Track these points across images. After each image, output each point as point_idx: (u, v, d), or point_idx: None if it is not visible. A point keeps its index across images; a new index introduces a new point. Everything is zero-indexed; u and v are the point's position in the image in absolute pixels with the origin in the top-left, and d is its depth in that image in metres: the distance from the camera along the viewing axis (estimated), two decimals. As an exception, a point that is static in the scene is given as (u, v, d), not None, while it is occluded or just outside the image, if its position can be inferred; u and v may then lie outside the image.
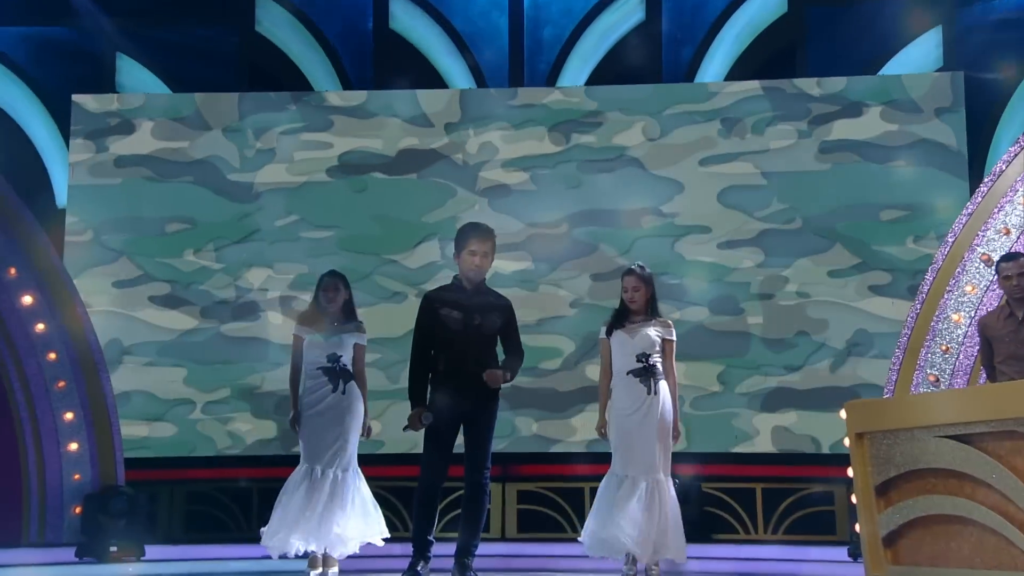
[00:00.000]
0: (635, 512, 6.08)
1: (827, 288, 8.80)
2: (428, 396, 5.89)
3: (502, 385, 5.94)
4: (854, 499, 4.20)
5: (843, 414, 4.21)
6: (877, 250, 8.77)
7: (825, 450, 8.54)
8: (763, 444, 8.70)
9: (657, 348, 6.35)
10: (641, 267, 6.50)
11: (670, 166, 9.09)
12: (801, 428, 8.70)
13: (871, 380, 8.39)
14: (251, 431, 8.99)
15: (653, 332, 6.36)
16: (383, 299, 9.01)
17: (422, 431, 5.90)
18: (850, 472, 4.18)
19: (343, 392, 6.46)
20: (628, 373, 6.30)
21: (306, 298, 7.22)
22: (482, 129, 9.28)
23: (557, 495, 8.77)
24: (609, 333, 6.46)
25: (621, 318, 6.44)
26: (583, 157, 9.20)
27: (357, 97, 9.41)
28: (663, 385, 6.33)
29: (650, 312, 6.43)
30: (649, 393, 6.26)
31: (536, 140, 9.24)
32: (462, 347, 5.86)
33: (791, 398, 8.74)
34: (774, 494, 8.61)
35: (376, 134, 9.29)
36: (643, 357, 6.29)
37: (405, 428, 5.91)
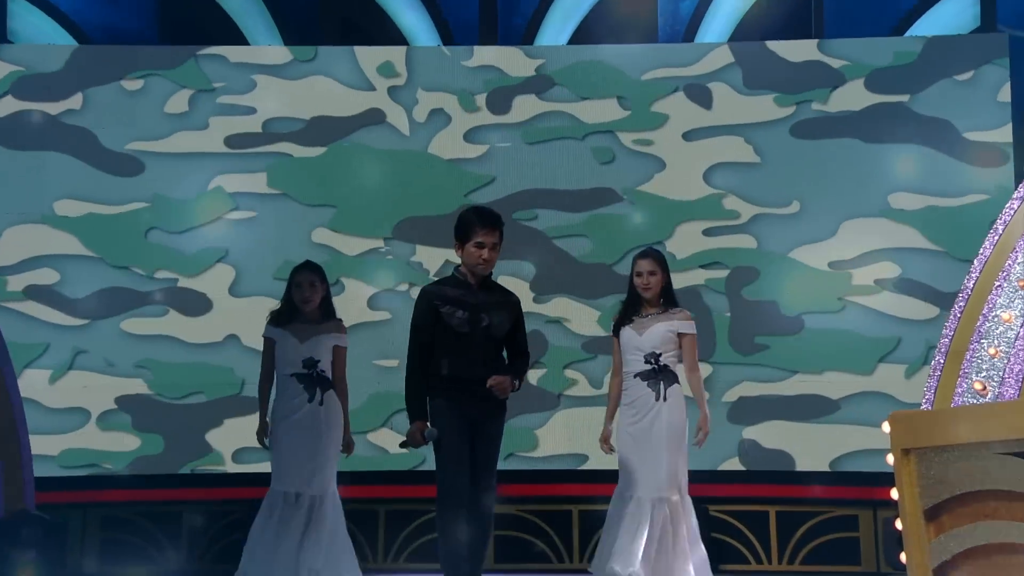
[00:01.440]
0: (637, 543, 6.14)
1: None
2: (432, 405, 5.91)
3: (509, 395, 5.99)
4: (899, 524, 4.20)
5: (886, 427, 4.21)
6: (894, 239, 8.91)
7: (844, 467, 8.69)
8: (775, 459, 8.79)
9: (672, 346, 6.39)
10: (656, 248, 6.60)
11: (650, 139, 9.18)
12: (820, 442, 8.78)
13: (889, 389, 8.67)
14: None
15: (666, 327, 6.41)
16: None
17: (418, 446, 5.95)
18: (893, 494, 4.20)
19: (320, 402, 6.52)
20: (635, 376, 6.38)
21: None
22: (432, 93, 9.32)
23: (541, 519, 8.78)
24: (617, 330, 6.51)
25: (630, 310, 6.50)
26: (547, 128, 9.25)
27: (283, 54, 9.39)
28: (675, 390, 6.38)
29: (665, 302, 6.49)
30: (658, 399, 6.32)
31: (494, 108, 9.28)
32: (468, 351, 5.89)
33: (810, 406, 8.85)
34: (790, 518, 8.68)
35: (306, 98, 9.32)
36: (652, 357, 6.36)
37: (403, 445, 5.93)
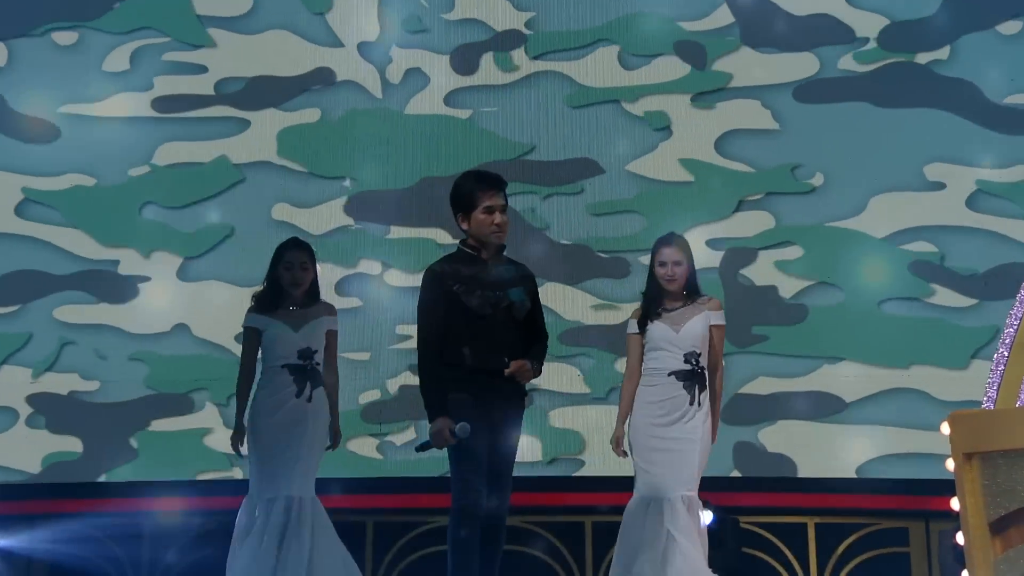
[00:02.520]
0: (659, 548, 6.24)
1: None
2: (451, 400, 5.88)
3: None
4: (960, 539, 4.21)
5: (945, 428, 4.24)
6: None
7: (895, 474, 8.64)
8: (812, 465, 8.76)
9: (707, 343, 6.52)
10: (679, 234, 6.67)
11: (655, 103, 9.18)
12: (865, 444, 8.75)
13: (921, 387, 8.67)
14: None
15: (703, 322, 6.52)
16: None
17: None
18: (953, 504, 4.20)
19: (309, 399, 6.62)
20: (670, 374, 6.47)
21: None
22: (408, 50, 9.31)
23: (548, 532, 8.78)
24: (643, 326, 6.57)
25: (655, 303, 6.57)
26: (541, 89, 9.24)
27: (239, 4, 9.39)
28: (706, 397, 6.52)
29: (690, 293, 6.58)
30: (692, 403, 6.45)
31: (479, 66, 9.28)
32: (491, 336, 5.91)
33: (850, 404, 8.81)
34: (831, 531, 8.68)
35: (264, 54, 9.32)
36: (693, 358, 6.47)
37: (422, 447, 5.90)
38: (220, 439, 8.31)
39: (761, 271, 8.95)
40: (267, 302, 6.81)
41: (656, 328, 6.54)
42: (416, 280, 8.11)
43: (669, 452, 6.42)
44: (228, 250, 9.08)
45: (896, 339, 8.80)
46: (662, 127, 9.09)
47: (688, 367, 6.46)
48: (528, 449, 8.24)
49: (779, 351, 8.84)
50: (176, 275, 9.11)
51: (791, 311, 8.90)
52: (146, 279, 9.12)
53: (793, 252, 8.95)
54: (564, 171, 9.10)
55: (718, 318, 6.58)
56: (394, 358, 8.86)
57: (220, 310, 8.82)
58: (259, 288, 7.02)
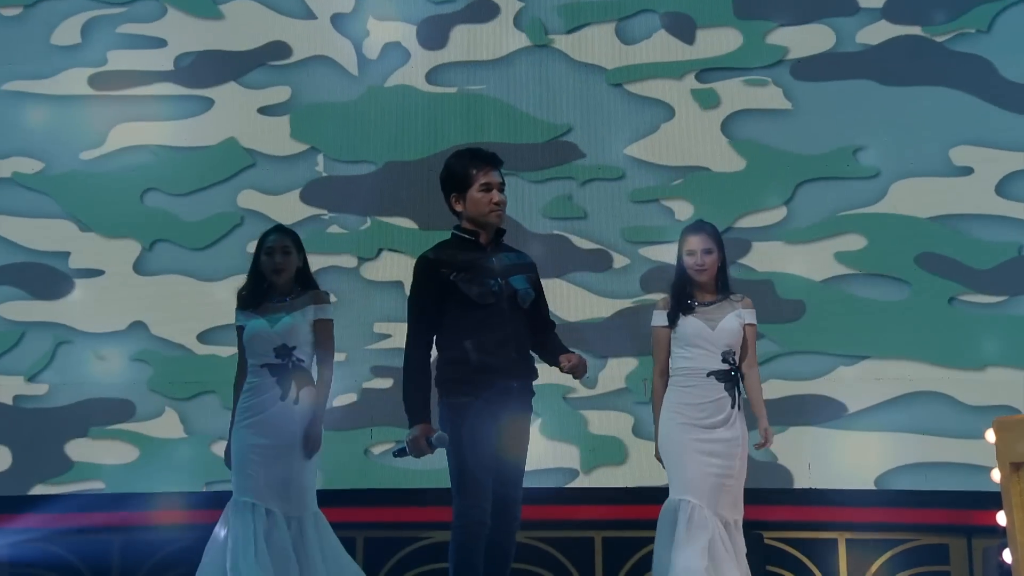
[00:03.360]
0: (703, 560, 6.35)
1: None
2: (454, 403, 5.88)
3: None
4: (1007, 556, 4.44)
5: (990, 436, 4.25)
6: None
7: (932, 485, 8.63)
8: (842, 476, 8.75)
9: (738, 343, 6.65)
10: (709, 222, 6.80)
11: (655, 83, 9.13)
12: (890, 451, 8.77)
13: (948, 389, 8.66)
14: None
15: (738, 319, 6.66)
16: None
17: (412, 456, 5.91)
18: (1000, 518, 4.32)
19: (296, 401, 6.66)
20: (709, 374, 6.59)
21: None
22: (386, 22, 9.27)
23: (555, 548, 8.75)
24: (674, 319, 6.65)
25: (684, 297, 6.67)
26: (536, 66, 9.19)
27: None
28: (742, 400, 6.67)
29: (722, 287, 6.73)
30: (733, 406, 6.61)
31: (466, 40, 9.23)
32: (496, 329, 5.89)
33: (890, 410, 8.81)
34: (864, 547, 8.67)
35: (229, 27, 9.30)
36: (731, 356, 6.63)
37: (398, 454, 5.87)
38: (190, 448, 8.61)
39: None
40: (250, 295, 6.88)
41: (689, 324, 6.64)
42: (397, 273, 8.78)
43: (714, 463, 6.55)
44: (191, 241, 9.08)
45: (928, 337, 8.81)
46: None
47: (726, 367, 6.60)
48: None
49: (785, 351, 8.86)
50: (133, 268, 9.09)
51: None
52: (99, 272, 9.10)
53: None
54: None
55: (751, 316, 6.73)
56: (373, 359, 8.83)
57: (179, 305, 8.92)
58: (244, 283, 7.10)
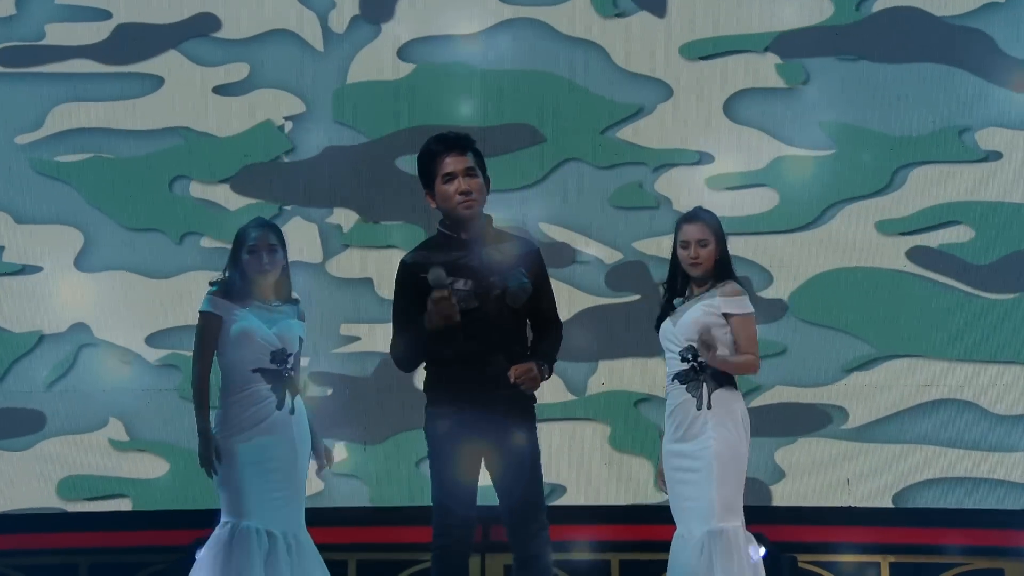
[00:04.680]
0: None
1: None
2: (431, 413, 5.77)
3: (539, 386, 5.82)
4: None
5: None
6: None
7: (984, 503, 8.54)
8: (885, 493, 8.64)
9: (719, 332, 6.31)
10: (707, 210, 6.58)
11: (647, 58, 8.95)
12: (947, 465, 8.65)
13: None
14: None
15: (703, 308, 6.37)
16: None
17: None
18: None
19: (292, 411, 6.51)
20: (673, 379, 6.43)
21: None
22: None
23: (567, 572, 8.63)
24: (658, 323, 6.58)
25: (676, 293, 6.53)
26: (514, 38, 8.98)
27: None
28: (723, 396, 6.33)
29: (718, 278, 6.46)
30: (700, 407, 6.33)
31: (441, 13, 9.04)
32: (480, 334, 5.64)
33: (921, 417, 8.65)
34: (910, 573, 8.56)
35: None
36: (689, 352, 6.35)
37: (433, 325, 5.55)
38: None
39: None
40: (232, 289, 6.60)
41: (664, 326, 6.53)
42: (368, 271, 8.81)
43: (678, 479, 6.40)
44: (136, 236, 8.91)
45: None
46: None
47: (686, 365, 6.38)
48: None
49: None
50: (74, 264, 8.94)
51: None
52: (37, 268, 8.98)
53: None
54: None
55: (732, 305, 6.39)
56: (337, 364, 8.73)
57: (124, 305, 8.82)
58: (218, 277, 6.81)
